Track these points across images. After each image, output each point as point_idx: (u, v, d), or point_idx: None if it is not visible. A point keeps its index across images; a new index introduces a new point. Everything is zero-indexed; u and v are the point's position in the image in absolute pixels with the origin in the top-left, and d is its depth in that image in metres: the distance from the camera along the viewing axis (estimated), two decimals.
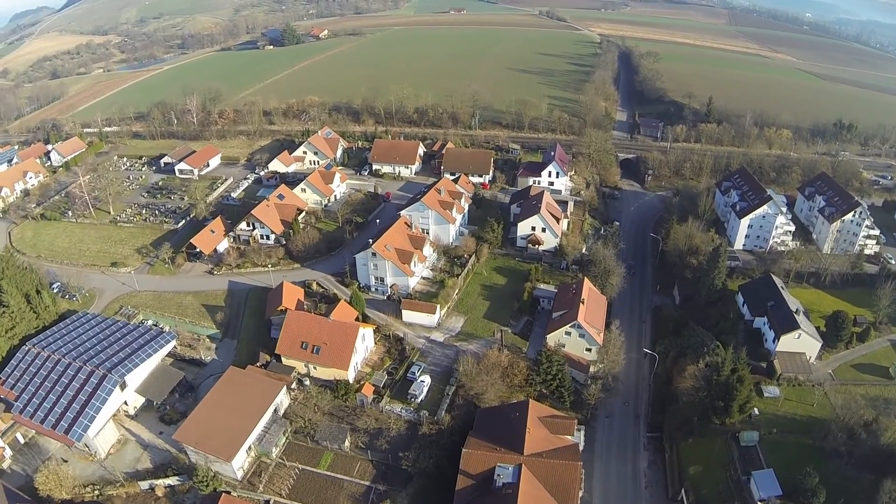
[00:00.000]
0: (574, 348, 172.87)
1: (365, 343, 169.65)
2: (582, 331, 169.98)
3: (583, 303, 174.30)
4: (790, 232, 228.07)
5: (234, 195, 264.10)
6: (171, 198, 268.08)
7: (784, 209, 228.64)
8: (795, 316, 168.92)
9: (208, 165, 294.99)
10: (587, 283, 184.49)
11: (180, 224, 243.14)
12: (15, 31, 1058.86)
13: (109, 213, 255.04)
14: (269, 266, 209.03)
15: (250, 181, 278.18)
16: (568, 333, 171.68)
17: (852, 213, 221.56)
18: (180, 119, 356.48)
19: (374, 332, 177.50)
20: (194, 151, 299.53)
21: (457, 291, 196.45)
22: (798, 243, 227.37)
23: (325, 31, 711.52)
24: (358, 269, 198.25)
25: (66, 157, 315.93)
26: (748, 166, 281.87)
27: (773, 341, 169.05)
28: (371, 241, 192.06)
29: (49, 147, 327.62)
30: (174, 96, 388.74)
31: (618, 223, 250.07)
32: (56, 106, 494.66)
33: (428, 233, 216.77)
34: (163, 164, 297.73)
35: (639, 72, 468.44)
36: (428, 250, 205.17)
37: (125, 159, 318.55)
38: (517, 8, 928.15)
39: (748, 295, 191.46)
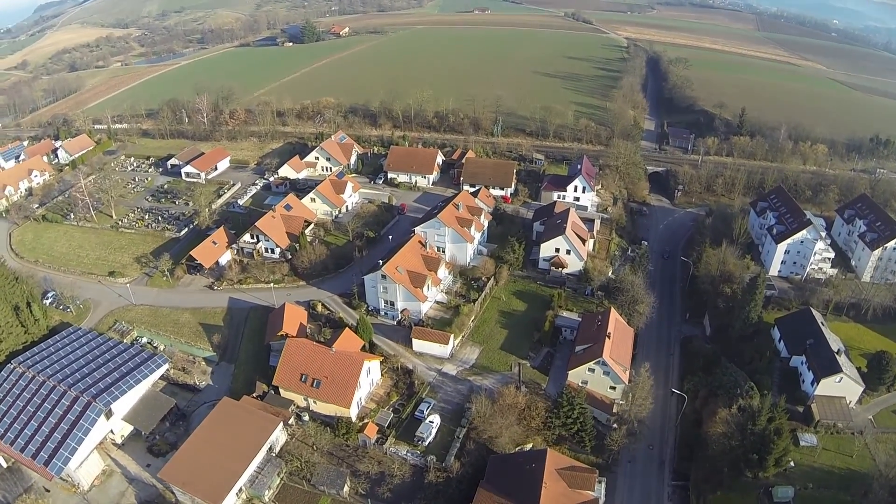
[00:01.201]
0: (597, 386, 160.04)
1: (370, 376, 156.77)
2: (607, 368, 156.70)
3: (609, 337, 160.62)
4: (829, 259, 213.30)
5: (240, 202, 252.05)
6: (175, 203, 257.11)
7: (823, 234, 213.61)
8: (837, 357, 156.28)
9: (216, 169, 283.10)
10: (614, 314, 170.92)
11: (182, 232, 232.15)
12: (38, 23, 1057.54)
13: (112, 217, 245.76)
14: (272, 284, 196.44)
15: (259, 187, 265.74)
16: (591, 370, 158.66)
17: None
18: (191, 118, 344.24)
19: (382, 362, 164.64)
20: (203, 153, 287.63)
21: (473, 318, 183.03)
22: (837, 271, 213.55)
23: (346, 29, 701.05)
24: (367, 291, 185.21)
25: (73, 155, 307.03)
26: (783, 184, 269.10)
27: (812, 384, 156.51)
28: (381, 261, 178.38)
29: (57, 144, 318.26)
30: (187, 94, 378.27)
31: (646, 243, 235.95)
32: (71, 100, 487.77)
33: (443, 251, 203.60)
34: (169, 167, 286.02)
35: (668, 79, 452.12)
36: (443, 272, 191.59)
37: (132, 159, 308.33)
38: (542, 9, 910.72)
39: (786, 330, 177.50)
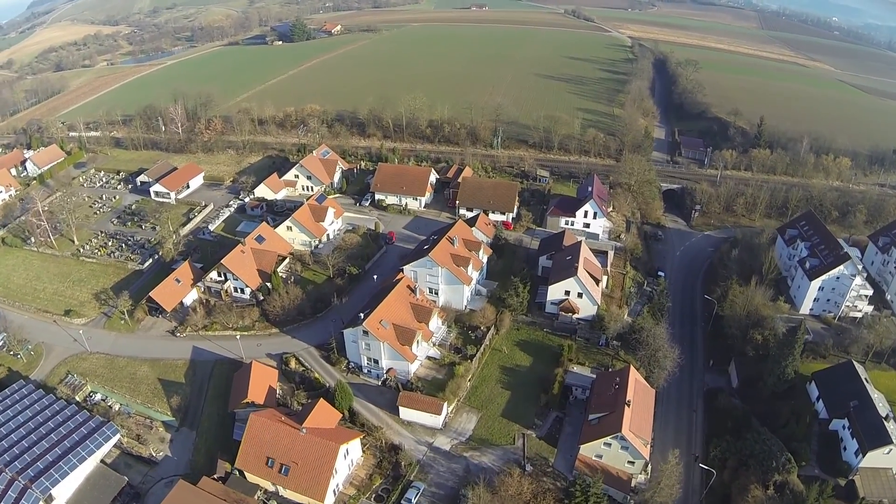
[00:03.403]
0: (613, 461, 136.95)
1: (349, 458, 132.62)
2: (626, 443, 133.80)
3: (628, 405, 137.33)
4: (867, 296, 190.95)
5: (211, 228, 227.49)
6: (142, 227, 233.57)
7: (860, 267, 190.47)
8: (885, 424, 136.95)
9: (188, 187, 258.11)
10: (633, 374, 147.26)
11: (146, 264, 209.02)
12: (29, 20, 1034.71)
13: (73, 241, 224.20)
14: (238, 335, 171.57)
15: (233, 209, 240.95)
16: (608, 445, 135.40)
17: None
18: (167, 127, 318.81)
19: (364, 437, 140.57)
20: (175, 169, 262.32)
21: (470, 378, 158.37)
22: (872, 308, 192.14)
23: (339, 27, 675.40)
24: (346, 346, 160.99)
25: (42, 168, 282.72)
26: (808, 203, 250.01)
27: (856, 454, 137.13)
28: (362, 314, 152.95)
29: (27, 154, 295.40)
30: (166, 98, 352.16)
31: (662, 275, 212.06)
32: (52, 102, 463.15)
33: (436, 293, 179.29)
34: (139, 183, 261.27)
35: (677, 82, 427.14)
36: (435, 323, 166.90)
37: (102, 173, 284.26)
38: (542, 6, 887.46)
39: (825, 387, 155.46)
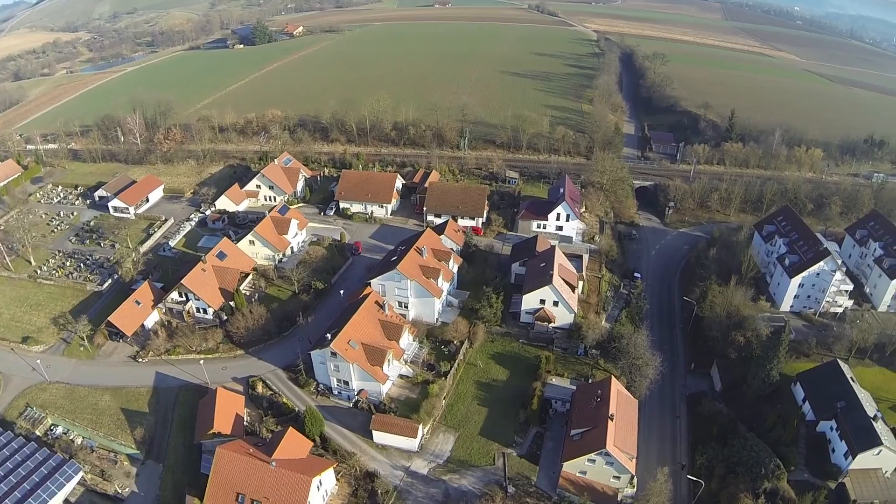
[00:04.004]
0: (598, 476, 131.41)
1: (323, 489, 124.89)
2: (611, 459, 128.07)
3: (611, 419, 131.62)
4: (847, 291, 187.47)
5: (171, 244, 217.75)
6: (101, 244, 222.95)
7: (840, 261, 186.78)
8: (874, 424, 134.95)
9: (147, 201, 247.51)
10: (615, 385, 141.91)
11: (106, 285, 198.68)
12: None
13: (30, 262, 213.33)
14: (201, 360, 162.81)
15: (194, 223, 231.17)
16: (592, 461, 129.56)
17: None
18: (126, 138, 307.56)
19: (337, 465, 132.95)
20: (133, 182, 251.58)
21: (445, 396, 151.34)
22: (853, 303, 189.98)
23: (301, 28, 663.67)
24: (315, 367, 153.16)
25: None
26: (783, 197, 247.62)
27: (846, 457, 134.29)
28: (329, 335, 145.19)
29: None
30: (124, 107, 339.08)
31: (639, 276, 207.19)
32: (9, 114, 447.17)
33: (406, 307, 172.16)
34: (97, 199, 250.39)
35: (645, 76, 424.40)
36: (406, 340, 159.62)
37: (60, 188, 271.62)
38: (506, 2, 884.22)
39: (811, 388, 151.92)
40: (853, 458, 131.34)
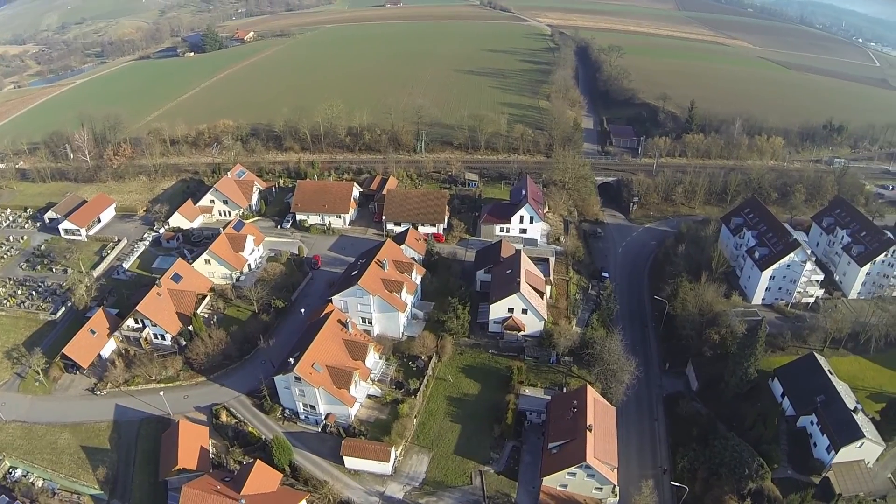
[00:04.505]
0: (580, 489, 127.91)
1: None
2: (592, 471, 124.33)
3: (590, 430, 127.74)
4: (818, 281, 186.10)
5: (125, 266, 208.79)
6: (52, 269, 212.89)
7: (809, 251, 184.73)
8: (854, 416, 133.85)
9: (99, 221, 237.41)
10: (591, 394, 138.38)
11: (59, 313, 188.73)
12: None
13: None
14: (161, 391, 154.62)
15: (148, 243, 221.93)
16: (573, 474, 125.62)
17: (885, 252, 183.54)
18: (75, 155, 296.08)
19: (310, 495, 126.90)
20: (84, 202, 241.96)
21: (416, 414, 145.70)
22: (823, 291, 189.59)
23: (251, 34, 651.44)
24: (279, 392, 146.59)
25: None
26: (747, 187, 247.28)
27: (828, 451, 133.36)
28: (292, 360, 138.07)
29: None
30: (73, 123, 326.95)
31: (607, 275, 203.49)
32: None
33: (370, 322, 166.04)
34: (47, 221, 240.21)
35: (601, 69, 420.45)
36: (372, 358, 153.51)
37: (8, 211, 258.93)
38: None
39: (789, 383, 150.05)
40: (836, 453, 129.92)
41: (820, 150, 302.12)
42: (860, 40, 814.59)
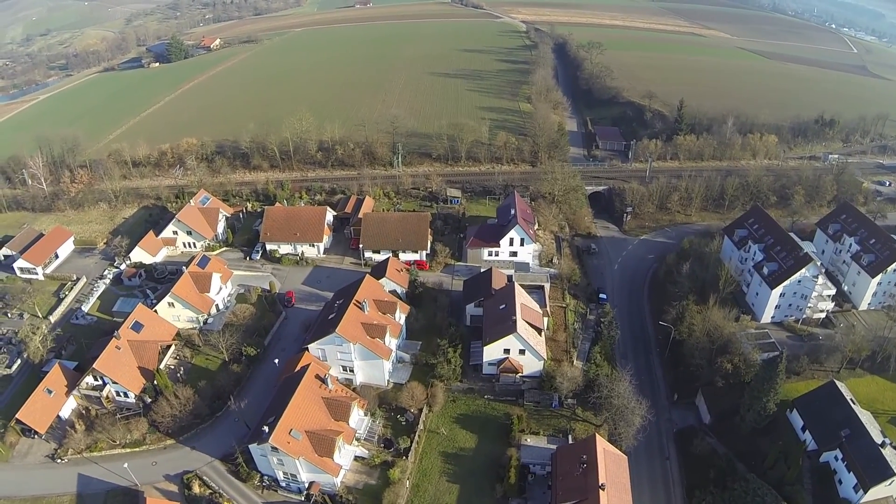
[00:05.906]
0: None
1: None
2: None
3: (602, 489, 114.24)
4: (830, 296, 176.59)
5: (84, 308, 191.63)
6: (7, 315, 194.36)
7: (819, 263, 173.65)
8: (882, 451, 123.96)
9: (57, 257, 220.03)
10: (601, 443, 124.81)
11: (15, 366, 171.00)
12: None
13: None
14: (126, 463, 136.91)
15: (108, 281, 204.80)
16: None
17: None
18: (31, 182, 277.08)
19: None
20: (41, 235, 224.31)
21: (409, 475, 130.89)
22: (835, 305, 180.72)
23: (218, 41, 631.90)
24: (256, 459, 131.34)
25: None
26: (745, 191, 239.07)
27: (856, 490, 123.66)
28: (266, 427, 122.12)
29: None
30: (29, 146, 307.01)
31: (605, 298, 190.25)
32: None
33: (352, 370, 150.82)
34: (2, 258, 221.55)
35: (582, 67, 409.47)
36: (356, 416, 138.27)
37: None
38: None
39: (809, 416, 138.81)
40: (865, 493, 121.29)
41: (813, 146, 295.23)
42: (833, 26, 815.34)
